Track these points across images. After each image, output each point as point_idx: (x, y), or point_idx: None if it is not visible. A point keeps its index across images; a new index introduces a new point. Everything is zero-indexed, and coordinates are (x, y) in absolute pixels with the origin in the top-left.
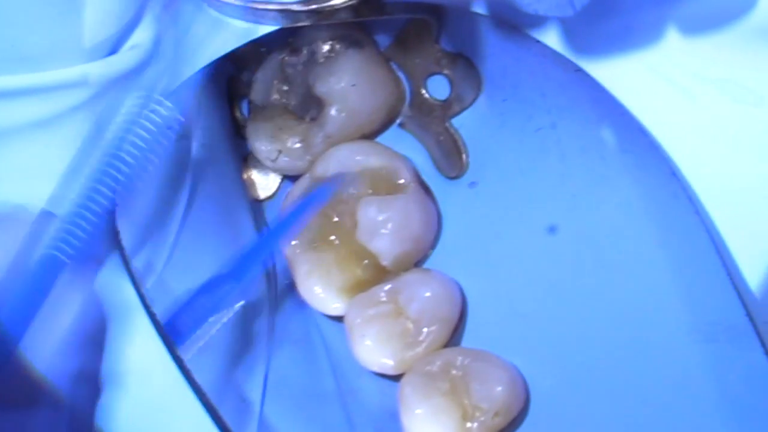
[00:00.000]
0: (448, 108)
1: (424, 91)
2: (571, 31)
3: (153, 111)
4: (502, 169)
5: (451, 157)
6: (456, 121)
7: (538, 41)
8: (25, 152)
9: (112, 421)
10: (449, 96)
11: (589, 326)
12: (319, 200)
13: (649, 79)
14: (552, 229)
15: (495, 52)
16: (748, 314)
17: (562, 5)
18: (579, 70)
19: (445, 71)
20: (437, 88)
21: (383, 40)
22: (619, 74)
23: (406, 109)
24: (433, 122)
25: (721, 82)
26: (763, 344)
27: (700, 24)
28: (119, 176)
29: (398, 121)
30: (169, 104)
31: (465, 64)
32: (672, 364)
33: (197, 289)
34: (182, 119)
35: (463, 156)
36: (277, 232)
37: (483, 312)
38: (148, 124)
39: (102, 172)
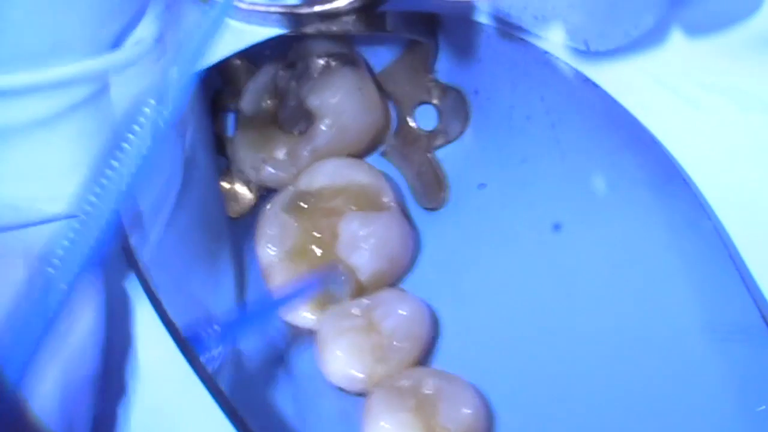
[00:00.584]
0: (433, 139)
1: (410, 120)
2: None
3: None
4: (506, 175)
5: (431, 190)
6: (440, 153)
7: (542, 50)
8: (28, 150)
9: (123, 424)
10: (436, 127)
11: (571, 348)
12: (313, 289)
13: (653, 86)
14: (557, 227)
15: (499, 59)
16: (763, 316)
17: (577, 42)
18: (586, 80)
19: (435, 101)
20: (425, 119)
21: (377, 64)
22: (623, 82)
23: (390, 137)
24: (416, 152)
25: (725, 88)
26: None
27: (704, 31)
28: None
29: (381, 149)
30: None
31: (456, 96)
32: (686, 362)
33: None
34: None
35: (443, 191)
36: (269, 307)
37: (453, 339)
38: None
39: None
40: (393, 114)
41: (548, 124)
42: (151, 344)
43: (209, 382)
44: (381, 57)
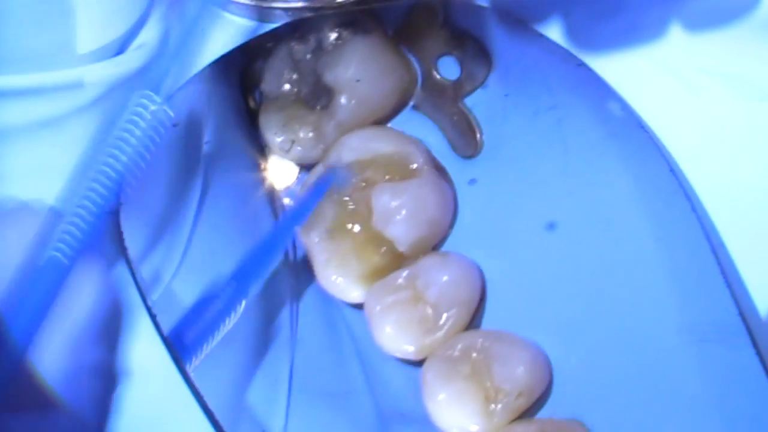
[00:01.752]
0: (460, 88)
1: (435, 73)
2: (576, 27)
3: (143, 106)
4: (505, 161)
5: (466, 137)
6: (469, 101)
7: (542, 35)
8: (31, 152)
9: (115, 423)
10: (460, 76)
11: (600, 309)
12: (318, 194)
13: (654, 75)
14: (551, 226)
15: (499, 45)
16: (741, 314)
17: None
18: (582, 65)
19: (455, 52)
20: (448, 69)
21: (391, 24)
22: (624, 70)
23: (418, 91)
24: (446, 103)
25: (725, 77)
26: (754, 344)
27: (705, 20)
28: (113, 174)
29: (411, 103)
30: (158, 99)
31: (473, 44)
32: (664, 362)
33: (202, 298)
34: (172, 114)
35: (478, 135)
36: (282, 229)
37: (502, 292)
38: (138, 119)
39: (97, 171)
40: (418, 68)
41: (555, 119)
42: (143, 344)
43: (192, 384)
44: (394, 16)
